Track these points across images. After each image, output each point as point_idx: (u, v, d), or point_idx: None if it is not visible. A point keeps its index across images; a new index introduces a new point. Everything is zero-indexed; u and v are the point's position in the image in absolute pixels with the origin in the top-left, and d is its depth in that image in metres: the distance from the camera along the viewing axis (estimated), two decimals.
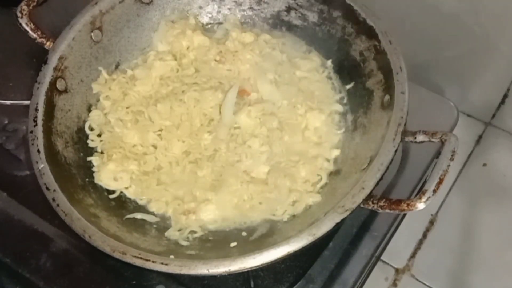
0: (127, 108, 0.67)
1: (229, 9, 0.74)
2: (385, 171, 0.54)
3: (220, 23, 0.74)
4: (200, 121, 0.65)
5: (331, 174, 0.62)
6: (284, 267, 0.62)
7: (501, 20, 0.86)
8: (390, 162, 0.54)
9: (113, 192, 0.62)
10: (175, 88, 0.68)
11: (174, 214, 0.61)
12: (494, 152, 1.03)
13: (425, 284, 0.94)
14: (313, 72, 0.69)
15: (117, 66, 0.70)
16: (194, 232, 0.59)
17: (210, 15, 0.74)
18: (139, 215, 0.60)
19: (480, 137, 1.05)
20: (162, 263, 0.50)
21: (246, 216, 0.60)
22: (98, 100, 0.68)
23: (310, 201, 0.59)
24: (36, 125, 0.59)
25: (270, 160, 0.62)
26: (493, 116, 1.05)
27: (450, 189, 1.00)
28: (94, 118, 0.66)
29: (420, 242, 0.97)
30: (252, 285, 0.61)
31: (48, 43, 0.65)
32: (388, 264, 0.96)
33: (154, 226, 0.60)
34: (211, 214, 0.60)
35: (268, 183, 0.61)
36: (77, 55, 0.65)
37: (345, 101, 0.67)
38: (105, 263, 0.63)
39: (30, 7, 0.65)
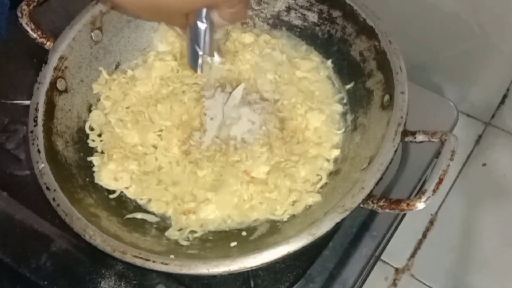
0: (127, 108, 0.67)
1: None
2: (385, 171, 0.54)
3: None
4: (200, 122, 0.65)
5: (331, 174, 0.62)
6: (284, 267, 0.62)
7: (501, 20, 0.87)
8: (390, 162, 0.54)
9: (113, 192, 0.62)
10: (175, 88, 0.68)
11: (174, 214, 0.61)
12: (494, 152, 1.03)
13: (425, 284, 0.94)
14: (313, 72, 0.69)
15: (117, 66, 0.70)
16: (194, 232, 0.59)
17: None
18: (139, 215, 0.61)
19: (480, 137, 1.05)
20: (162, 263, 0.50)
21: (246, 216, 0.60)
22: (98, 100, 0.68)
23: (310, 201, 0.59)
24: (37, 125, 0.59)
25: (270, 160, 0.62)
26: (493, 116, 1.05)
27: (450, 189, 1.00)
28: (95, 118, 0.66)
29: (420, 242, 0.98)
30: (252, 285, 0.61)
31: (48, 43, 0.65)
32: (388, 264, 0.96)
33: (154, 226, 0.60)
34: (211, 214, 0.60)
35: (268, 183, 0.61)
36: (77, 55, 0.65)
37: (345, 101, 0.67)
38: (105, 263, 0.63)
39: (30, 7, 0.65)
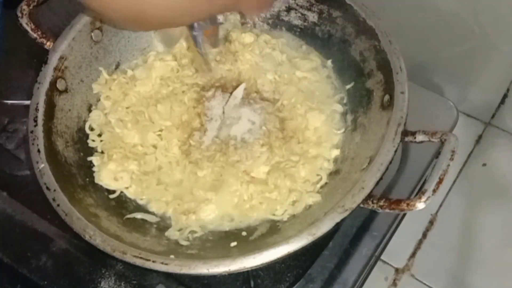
0: (127, 108, 0.67)
1: None
2: (385, 171, 0.54)
3: (220, 24, 0.74)
4: (200, 122, 0.65)
5: (331, 174, 0.62)
6: (284, 267, 0.62)
7: (501, 20, 0.86)
8: (390, 162, 0.54)
9: (113, 192, 0.62)
10: (175, 88, 0.68)
11: (174, 214, 0.61)
12: (494, 152, 1.03)
13: (425, 284, 0.94)
14: (313, 72, 0.69)
15: (117, 66, 0.70)
16: (194, 231, 0.59)
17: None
18: (139, 215, 0.61)
19: (480, 137, 1.05)
20: (162, 263, 0.50)
21: (246, 216, 0.60)
22: (98, 100, 0.68)
23: (310, 201, 0.59)
24: (37, 125, 0.59)
25: (270, 160, 0.62)
26: (493, 116, 1.05)
27: (450, 189, 1.00)
28: (95, 118, 0.66)
29: (420, 242, 0.97)
30: (252, 285, 0.61)
31: (48, 43, 0.65)
32: (388, 264, 0.96)
33: (154, 226, 0.60)
34: (211, 214, 0.60)
35: (268, 183, 0.61)
36: (77, 55, 0.65)
37: (345, 101, 0.67)
38: (105, 263, 0.63)
39: (30, 7, 0.65)
